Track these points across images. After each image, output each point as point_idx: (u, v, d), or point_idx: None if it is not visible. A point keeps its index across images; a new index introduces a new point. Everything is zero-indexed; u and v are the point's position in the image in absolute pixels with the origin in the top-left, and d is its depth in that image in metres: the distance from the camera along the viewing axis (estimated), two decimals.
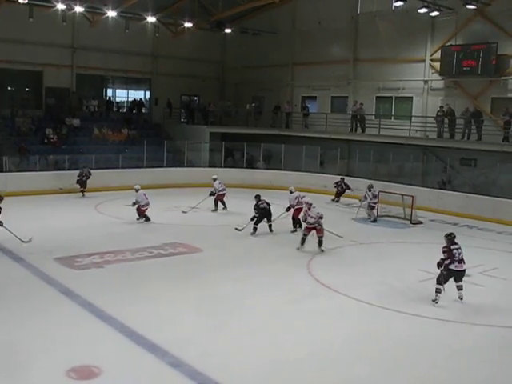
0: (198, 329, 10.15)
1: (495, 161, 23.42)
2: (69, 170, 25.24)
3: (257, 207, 18.12)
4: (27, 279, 12.80)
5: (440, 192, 23.98)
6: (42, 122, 29.26)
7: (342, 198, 25.10)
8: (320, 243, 15.97)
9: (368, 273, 14.36)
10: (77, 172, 24.27)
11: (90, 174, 24.21)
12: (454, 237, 12.15)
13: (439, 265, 11.94)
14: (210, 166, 29.79)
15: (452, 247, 11.89)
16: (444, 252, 11.89)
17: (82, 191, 23.98)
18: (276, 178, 28.06)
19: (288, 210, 19.01)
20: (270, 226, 18.43)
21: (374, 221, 20.82)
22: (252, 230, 18.03)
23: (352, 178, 25.80)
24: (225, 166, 29.23)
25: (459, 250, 11.88)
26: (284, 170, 28.85)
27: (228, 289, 12.53)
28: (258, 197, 18.40)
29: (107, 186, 25.13)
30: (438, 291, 11.93)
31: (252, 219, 18.02)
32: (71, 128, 29.61)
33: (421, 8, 24.80)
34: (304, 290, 12.64)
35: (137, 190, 19.17)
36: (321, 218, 15.90)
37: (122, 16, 28.65)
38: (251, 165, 30.24)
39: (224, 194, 21.99)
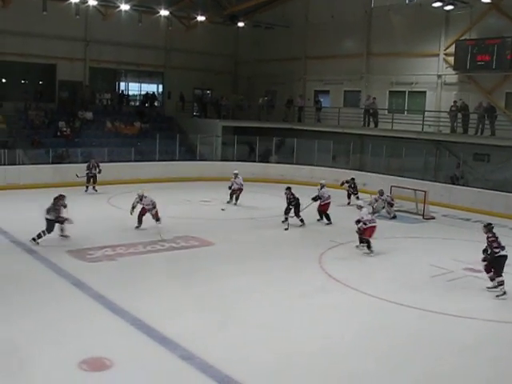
0: (209, 322, 10.18)
1: (509, 156, 23.31)
2: (82, 163, 25.27)
3: (294, 198, 18.41)
4: (40, 271, 12.89)
5: (453, 187, 23.87)
6: (55, 115, 29.37)
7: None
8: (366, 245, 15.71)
9: (379, 268, 14.36)
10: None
11: (98, 165, 23.51)
12: (493, 227, 12.63)
13: (486, 255, 12.42)
14: (222, 160, 29.84)
15: (496, 236, 12.36)
16: (493, 241, 12.28)
17: (93, 187, 23.63)
18: (288, 172, 28.04)
19: (315, 199, 19.25)
20: (287, 218, 18.52)
21: (394, 217, 20.68)
22: (300, 223, 18.48)
23: (364, 173, 25.73)
24: (237, 160, 29.20)
25: (498, 238, 12.39)
26: (296, 164, 28.82)
27: (240, 283, 12.54)
28: (289, 188, 18.70)
29: (119, 179, 25.20)
30: (502, 283, 12.27)
31: (286, 212, 18.47)
32: (84, 121, 29.72)
33: (435, 2, 24.65)
34: (316, 285, 12.63)
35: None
36: (370, 221, 15.66)
37: (134, 9, 28.68)
38: (266, 158, 30.18)
39: (242, 190, 22.05)
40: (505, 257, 12.33)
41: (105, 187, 23.86)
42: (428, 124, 26.42)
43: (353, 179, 23.13)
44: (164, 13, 28.88)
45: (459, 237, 18.10)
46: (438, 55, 27.04)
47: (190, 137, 30.52)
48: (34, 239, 14.76)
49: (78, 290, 11.57)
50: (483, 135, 24.38)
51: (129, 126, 30.87)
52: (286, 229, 18.03)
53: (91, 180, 23.57)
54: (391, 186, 21.45)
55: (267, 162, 29.80)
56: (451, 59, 26.26)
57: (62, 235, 15.36)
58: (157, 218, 16.80)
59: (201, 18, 30.27)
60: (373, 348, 9.45)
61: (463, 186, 23.94)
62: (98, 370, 8.26)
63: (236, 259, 14.55)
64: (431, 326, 10.60)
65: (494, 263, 12.37)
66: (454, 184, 24.31)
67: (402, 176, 24.34)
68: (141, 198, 16.79)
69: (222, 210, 20.70)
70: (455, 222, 20.73)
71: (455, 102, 25.48)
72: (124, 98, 33.90)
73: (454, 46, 26.03)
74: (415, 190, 21.37)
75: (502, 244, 12.39)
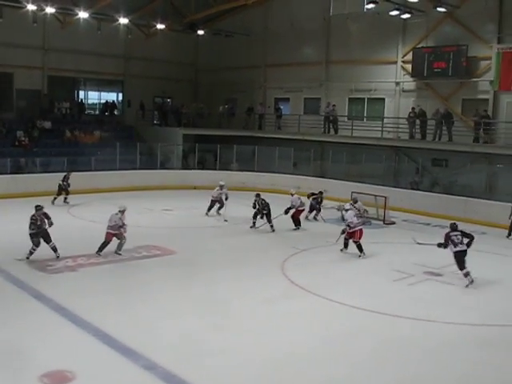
0: (171, 331, 10.12)
1: (466, 161, 23.78)
2: (41, 173, 24.98)
3: (265, 204, 18.87)
4: None
5: (412, 192, 24.20)
6: (12, 124, 28.88)
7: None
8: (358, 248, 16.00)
9: (342, 273, 14.46)
10: (53, 175, 23.88)
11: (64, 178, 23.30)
12: (456, 225, 13.79)
13: (440, 245, 13.79)
14: (183, 168, 29.79)
15: (451, 234, 13.52)
16: (445, 240, 13.61)
17: (65, 198, 23.10)
18: (249, 180, 28.09)
19: (287, 212, 19.70)
20: (254, 223, 19.09)
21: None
22: (271, 229, 18.82)
23: (325, 179, 25.96)
24: (198, 168, 29.21)
25: (458, 236, 13.49)
26: (257, 171, 28.86)
27: (202, 291, 12.49)
28: (259, 195, 19.20)
29: (79, 188, 24.81)
30: (468, 274, 13.29)
31: (254, 217, 19.04)
32: (43, 130, 29.31)
33: (392, 10, 25.03)
34: (278, 291, 12.66)
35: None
36: (356, 224, 15.92)
37: (93, 17, 28.44)
38: (228, 166, 30.12)
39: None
40: (464, 251, 13.37)
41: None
42: (387, 130, 26.77)
43: (321, 193, 21.73)
44: (123, 21, 28.70)
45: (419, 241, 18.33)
46: (395, 62, 27.46)
47: (151, 145, 30.33)
48: (27, 257, 14.29)
49: (39, 302, 11.39)
50: (441, 141, 24.79)
51: (88, 135, 30.54)
52: (252, 227, 18.87)
53: (63, 192, 23.13)
54: (352, 192, 21.61)
55: (228, 169, 29.76)
56: (409, 66, 26.72)
57: (56, 255, 14.51)
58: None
59: (160, 26, 30.21)
60: (338, 354, 9.51)
61: (423, 191, 24.28)
62: (60, 383, 8.14)
63: (197, 268, 14.48)
64: (395, 330, 10.69)
65: (456, 259, 13.39)
66: (413, 189, 24.65)
67: (362, 182, 24.55)
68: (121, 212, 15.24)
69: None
70: (415, 226, 21.02)
71: (413, 108, 25.89)
72: (83, 106, 33.56)
73: (411, 53, 26.53)
74: (375, 195, 21.58)
75: (458, 241, 13.40)
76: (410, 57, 26.61)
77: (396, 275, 14.11)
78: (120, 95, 35.25)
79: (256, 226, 19.03)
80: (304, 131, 29.40)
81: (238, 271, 14.24)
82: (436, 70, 25.38)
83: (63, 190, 23.19)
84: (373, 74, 28.35)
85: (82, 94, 34.21)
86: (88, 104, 34.46)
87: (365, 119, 28.70)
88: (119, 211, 15.26)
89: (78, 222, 19.88)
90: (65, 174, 23.46)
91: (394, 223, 21.18)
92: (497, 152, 23.28)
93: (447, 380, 8.82)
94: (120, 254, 15.12)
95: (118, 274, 13.82)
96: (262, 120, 32.09)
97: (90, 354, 9.12)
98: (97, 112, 34.47)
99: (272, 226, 18.78)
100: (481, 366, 9.35)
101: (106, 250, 15.24)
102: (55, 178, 23.57)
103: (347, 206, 17.12)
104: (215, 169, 29.42)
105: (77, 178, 25.14)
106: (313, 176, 26.74)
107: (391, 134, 26.95)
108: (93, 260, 14.60)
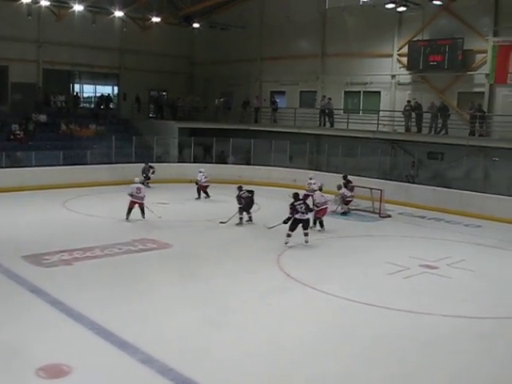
0: (168, 325, 10.12)
1: (462, 154, 23.81)
2: (35, 166, 24.91)
3: (238, 197, 18.60)
4: None
5: (408, 185, 24.21)
6: (7, 117, 28.75)
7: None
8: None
9: (337, 266, 14.47)
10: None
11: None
12: (298, 195, 16.43)
13: (288, 219, 15.95)
14: (179, 162, 29.75)
15: (295, 203, 15.85)
16: (290, 209, 15.88)
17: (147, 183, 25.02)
18: (245, 173, 28.02)
19: (311, 210, 19.83)
20: (250, 217, 18.82)
21: (344, 213, 20.94)
22: (238, 221, 18.60)
23: (321, 173, 25.93)
24: (194, 162, 29.17)
25: (301, 205, 15.88)
26: (253, 164, 28.84)
27: (198, 285, 12.49)
28: (239, 188, 18.98)
29: (75, 182, 24.81)
30: (289, 236, 15.86)
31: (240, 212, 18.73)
32: (38, 124, 29.20)
33: (388, 3, 24.96)
34: (274, 285, 12.66)
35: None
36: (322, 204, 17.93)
37: (88, 10, 28.32)
38: (223, 160, 30.10)
39: (207, 186, 23.49)
40: (299, 220, 15.81)
41: (60, 191, 23.57)
42: (383, 123, 26.76)
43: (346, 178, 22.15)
44: (118, 14, 28.55)
45: (415, 234, 18.39)
46: (391, 55, 27.41)
47: (147, 139, 30.25)
48: None
49: (35, 296, 11.37)
50: (437, 134, 24.80)
51: (84, 129, 30.41)
52: (223, 223, 18.58)
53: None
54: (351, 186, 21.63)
55: (224, 163, 29.75)
56: (404, 59, 26.69)
57: None
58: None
59: (156, 19, 30.06)
60: (333, 347, 9.51)
61: (418, 184, 24.30)
62: (56, 376, 8.12)
63: (194, 261, 14.49)
64: (391, 323, 10.70)
65: (293, 222, 15.85)
66: (409, 182, 24.67)
67: (358, 175, 24.46)
68: None
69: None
70: (411, 219, 21.05)
71: (409, 101, 25.88)
72: (78, 100, 33.46)
73: (407, 46, 26.48)
74: (371, 188, 21.59)
75: (302, 210, 15.75)
76: (405, 50, 26.56)
77: (392, 268, 14.12)
78: (115, 88, 35.16)
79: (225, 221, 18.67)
80: (300, 124, 29.39)
81: (234, 265, 14.23)
82: (432, 63, 25.35)
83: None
84: (369, 67, 28.30)
85: (77, 87, 34.11)
86: (83, 97, 34.38)
87: (361, 112, 28.66)
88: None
89: (74, 215, 19.84)
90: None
91: (389, 216, 21.19)
92: (492, 145, 23.28)
93: (444, 373, 8.82)
94: None
95: (114, 267, 13.78)
96: (257, 113, 32.03)
97: (86, 347, 9.11)
98: (92, 105, 34.36)
99: (240, 219, 18.65)
100: (477, 358, 9.37)
101: (101, 243, 15.37)
102: (51, 172, 23.54)
103: (314, 187, 19.18)
104: (211, 162, 29.37)
105: (72, 172, 25.27)
106: (309, 169, 26.70)
107: (387, 127, 26.91)
108: (88, 254, 14.58)
